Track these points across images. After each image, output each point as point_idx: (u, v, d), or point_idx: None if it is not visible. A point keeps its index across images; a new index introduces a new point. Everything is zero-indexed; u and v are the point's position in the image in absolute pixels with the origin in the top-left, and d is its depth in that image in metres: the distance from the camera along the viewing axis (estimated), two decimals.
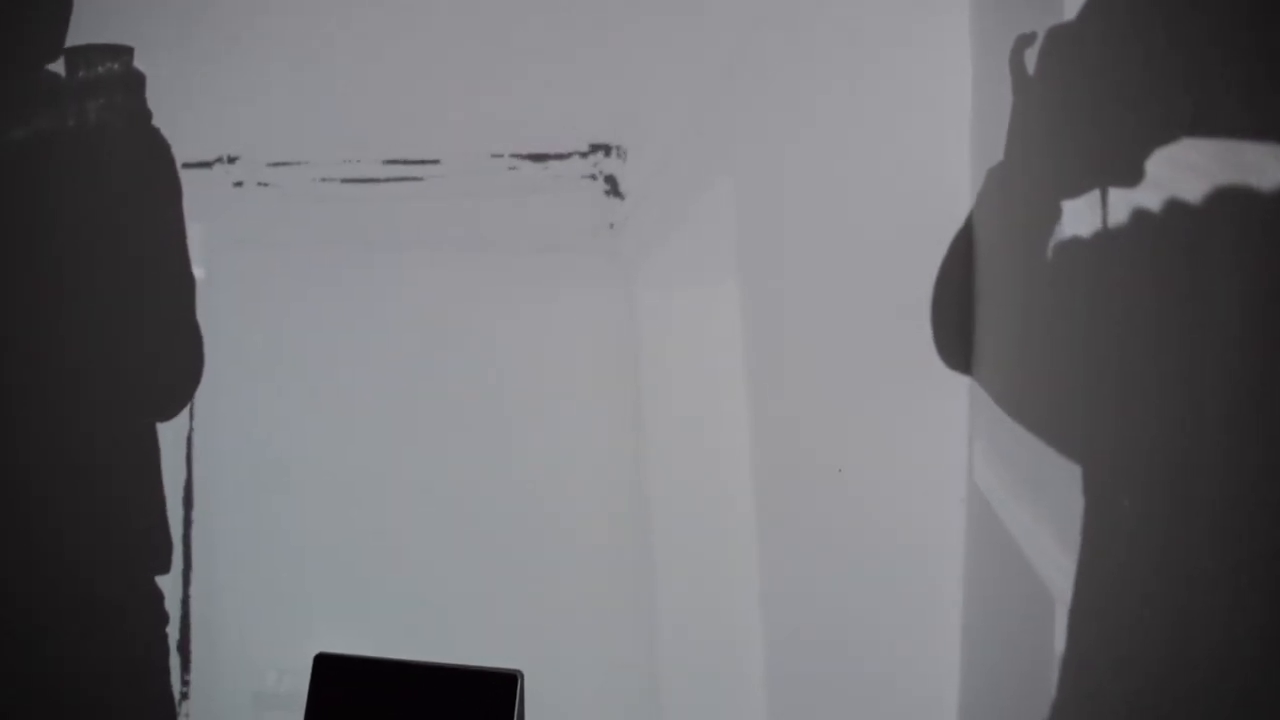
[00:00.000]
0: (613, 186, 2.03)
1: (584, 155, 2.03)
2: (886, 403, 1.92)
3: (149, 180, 2.18)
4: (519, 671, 1.60)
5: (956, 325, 1.88)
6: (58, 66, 2.17)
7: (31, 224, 2.19)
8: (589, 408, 2.05)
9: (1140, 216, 1.28)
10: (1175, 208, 1.20)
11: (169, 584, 2.21)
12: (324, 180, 2.13)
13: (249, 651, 2.20)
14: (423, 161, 2.08)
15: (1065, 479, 1.50)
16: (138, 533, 2.22)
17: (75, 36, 2.16)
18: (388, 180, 2.10)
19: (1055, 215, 1.54)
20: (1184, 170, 1.19)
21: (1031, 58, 1.62)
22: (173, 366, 2.20)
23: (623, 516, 2.04)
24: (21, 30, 2.19)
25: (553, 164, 2.03)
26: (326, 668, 1.65)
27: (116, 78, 2.16)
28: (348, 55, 2.10)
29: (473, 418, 2.09)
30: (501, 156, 2.05)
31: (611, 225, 2.03)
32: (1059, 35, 1.55)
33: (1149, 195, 1.26)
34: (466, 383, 2.09)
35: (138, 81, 2.16)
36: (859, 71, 1.92)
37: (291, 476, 2.18)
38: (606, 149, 2.02)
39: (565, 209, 2.04)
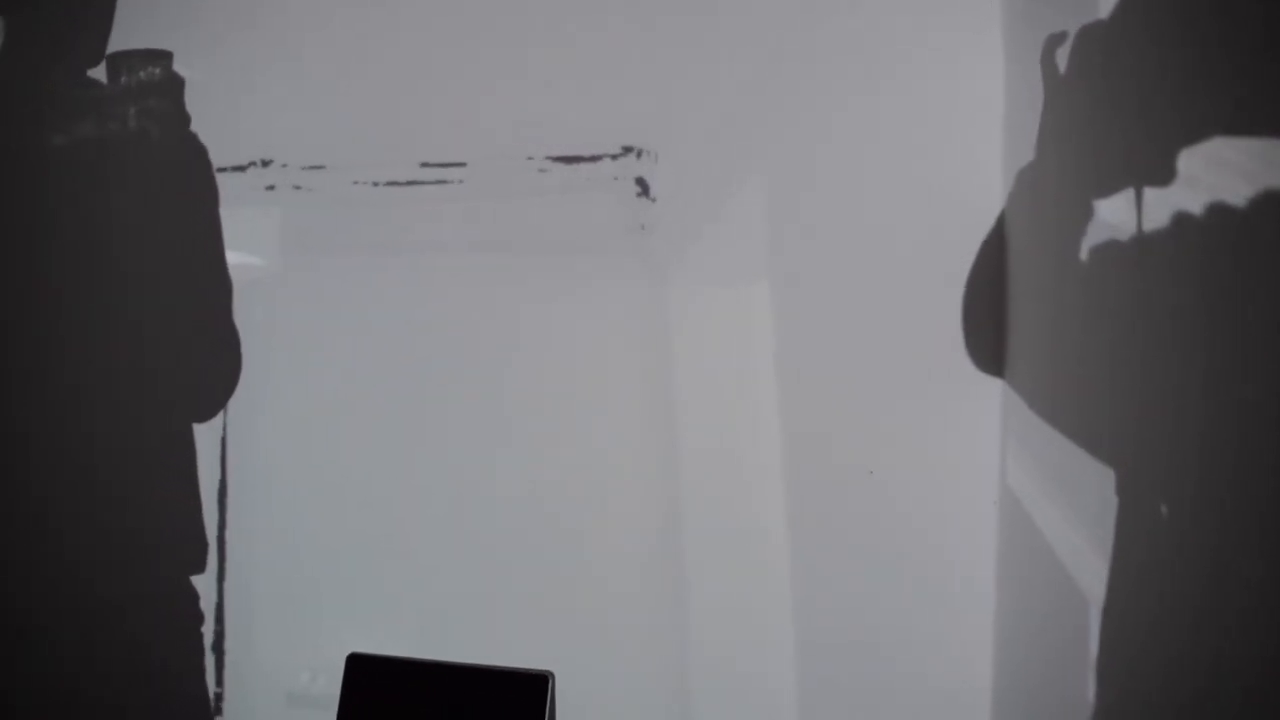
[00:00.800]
0: (643, 188, 2.03)
1: (615, 157, 2.03)
2: (918, 404, 1.91)
3: (188, 184, 2.20)
4: (550, 672, 1.60)
5: (988, 327, 1.87)
6: (99, 72, 2.20)
7: (72, 228, 2.21)
8: (620, 409, 2.05)
9: (1177, 216, 1.27)
10: (1215, 208, 1.19)
11: (203, 584, 2.23)
12: (356, 183, 2.14)
13: (282, 651, 2.21)
14: (453, 164, 2.09)
15: (1099, 482, 1.49)
16: (174, 533, 2.23)
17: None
18: (419, 183, 2.11)
19: (1088, 216, 1.53)
20: (1222, 169, 1.18)
21: (1063, 57, 1.61)
22: (211, 369, 2.21)
23: (654, 517, 2.04)
24: (63, 36, 2.21)
25: (583, 166, 2.04)
26: (359, 668, 1.66)
27: (157, 82, 2.18)
28: (378, 59, 2.11)
29: (505, 419, 2.09)
30: (532, 159, 2.05)
31: (643, 227, 2.03)
32: (1091, 34, 1.54)
33: (1187, 195, 1.25)
34: (498, 385, 2.09)
35: (177, 86, 2.18)
36: (889, 72, 1.91)
37: (325, 478, 2.19)
38: (637, 151, 2.02)
39: (596, 211, 2.04)
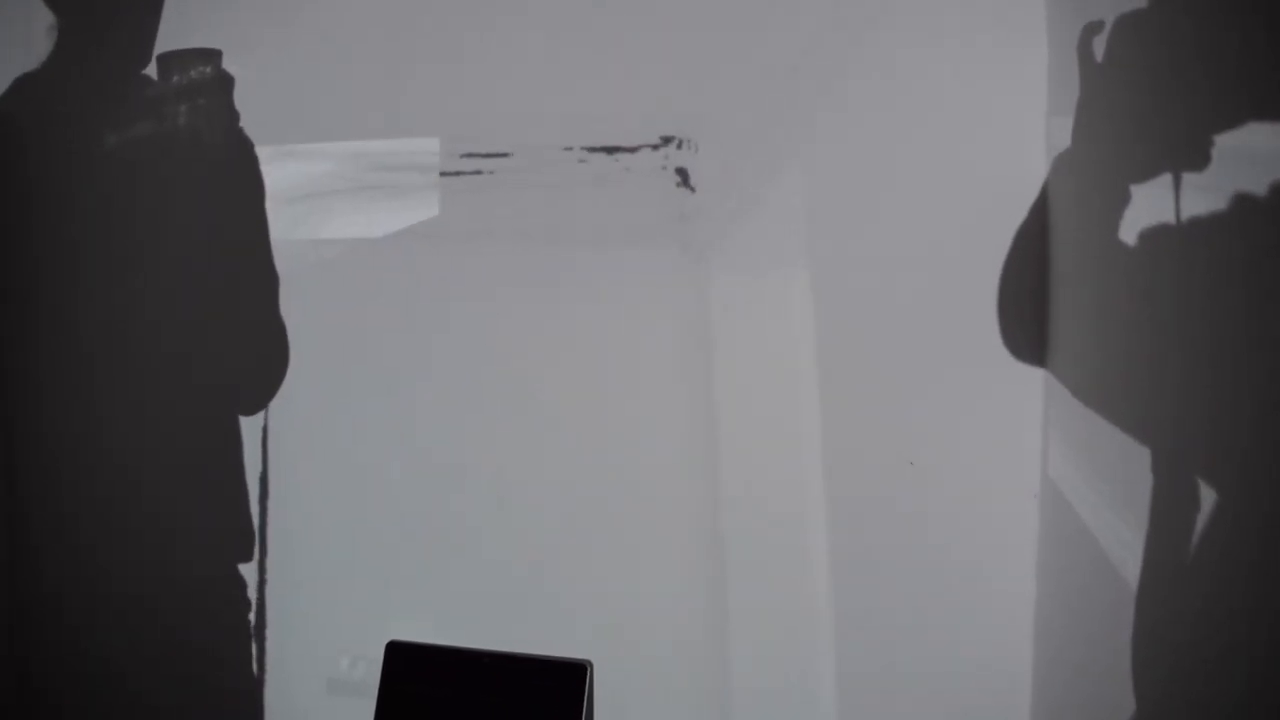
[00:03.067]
0: (684, 178, 2.02)
1: (655, 148, 2.03)
2: (959, 395, 1.90)
3: (237, 180, 2.22)
4: (589, 661, 1.61)
5: (1025, 317, 1.86)
6: (149, 71, 2.22)
7: (125, 226, 2.24)
8: (659, 399, 2.05)
9: (1219, 200, 1.25)
10: (1253, 193, 1.18)
11: (244, 571, 2.25)
12: (395, 172, 2.15)
13: (322, 638, 2.23)
14: (493, 155, 2.10)
15: (1148, 471, 1.47)
16: (222, 523, 2.26)
17: None
18: (458, 174, 2.12)
19: (1126, 201, 1.51)
20: (1260, 154, 1.16)
21: (1100, 45, 1.60)
22: (259, 362, 2.23)
23: (692, 507, 2.04)
24: (116, 34, 2.24)
25: (623, 156, 2.03)
26: (398, 655, 1.67)
27: (208, 81, 2.20)
28: (417, 48, 2.12)
29: (544, 409, 2.10)
30: (572, 149, 2.05)
31: (683, 217, 2.03)
32: (1128, 21, 1.53)
33: (1227, 179, 1.23)
34: (537, 375, 2.10)
35: (228, 84, 2.20)
36: (931, 59, 1.89)
37: (364, 466, 2.20)
38: (677, 141, 2.02)
39: (636, 201, 2.04)
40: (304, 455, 2.25)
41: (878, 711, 1.97)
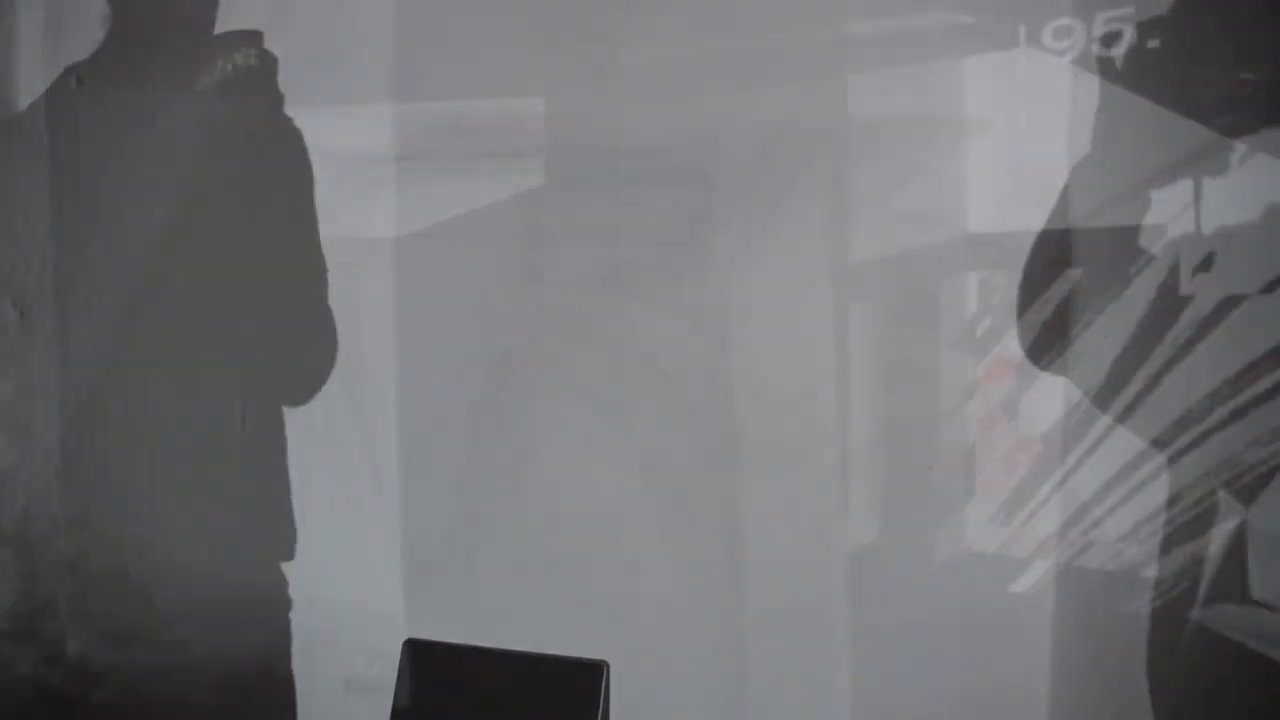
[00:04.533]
0: (706, 182, 2.02)
1: (678, 149, 2.03)
2: (977, 401, 1.90)
3: (284, 168, 2.21)
4: (605, 661, 1.61)
5: (1042, 325, 1.85)
6: (197, 58, 2.23)
7: (174, 215, 2.25)
8: (680, 403, 2.05)
9: (1256, 204, 1.25)
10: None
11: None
12: (420, 172, 2.16)
13: (339, 636, 2.25)
14: (515, 155, 2.10)
15: (1167, 480, 1.47)
16: (266, 519, 2.26)
17: None
18: (482, 173, 2.13)
19: (1147, 208, 1.51)
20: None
21: (1119, 51, 1.60)
22: (309, 352, 2.23)
23: (714, 511, 2.04)
24: (166, 24, 2.24)
25: (646, 157, 2.04)
26: (415, 653, 1.69)
27: (253, 65, 2.19)
28: (443, 50, 2.13)
29: (564, 411, 2.11)
30: (595, 149, 2.06)
31: (704, 220, 2.03)
32: (1147, 29, 1.53)
33: (1258, 184, 1.23)
34: (558, 376, 2.11)
35: (271, 65, 2.19)
36: (955, 68, 1.89)
37: (380, 465, 2.22)
38: (700, 144, 2.02)
39: (658, 202, 2.04)
40: (320, 453, 2.26)
41: (893, 714, 1.97)
